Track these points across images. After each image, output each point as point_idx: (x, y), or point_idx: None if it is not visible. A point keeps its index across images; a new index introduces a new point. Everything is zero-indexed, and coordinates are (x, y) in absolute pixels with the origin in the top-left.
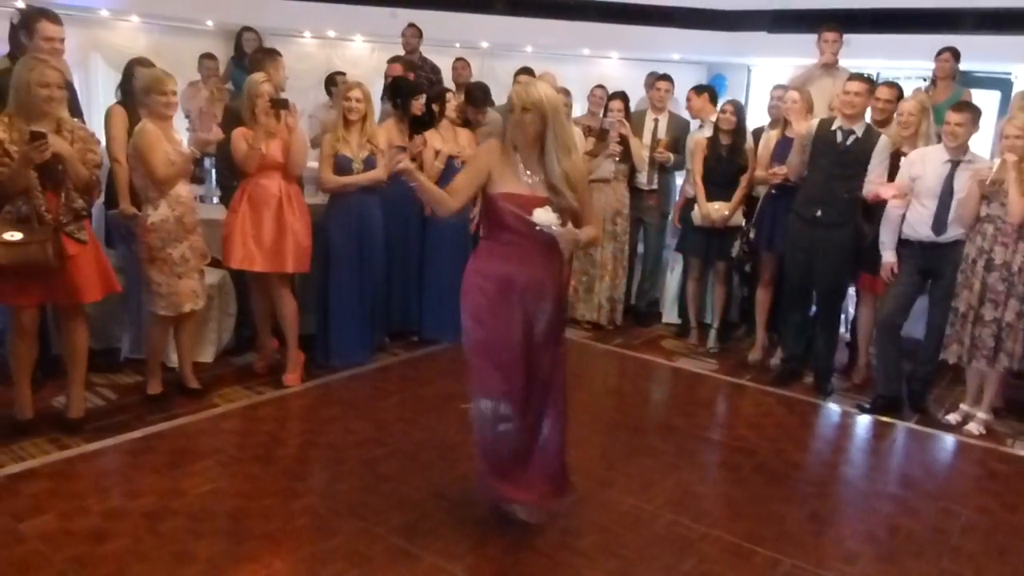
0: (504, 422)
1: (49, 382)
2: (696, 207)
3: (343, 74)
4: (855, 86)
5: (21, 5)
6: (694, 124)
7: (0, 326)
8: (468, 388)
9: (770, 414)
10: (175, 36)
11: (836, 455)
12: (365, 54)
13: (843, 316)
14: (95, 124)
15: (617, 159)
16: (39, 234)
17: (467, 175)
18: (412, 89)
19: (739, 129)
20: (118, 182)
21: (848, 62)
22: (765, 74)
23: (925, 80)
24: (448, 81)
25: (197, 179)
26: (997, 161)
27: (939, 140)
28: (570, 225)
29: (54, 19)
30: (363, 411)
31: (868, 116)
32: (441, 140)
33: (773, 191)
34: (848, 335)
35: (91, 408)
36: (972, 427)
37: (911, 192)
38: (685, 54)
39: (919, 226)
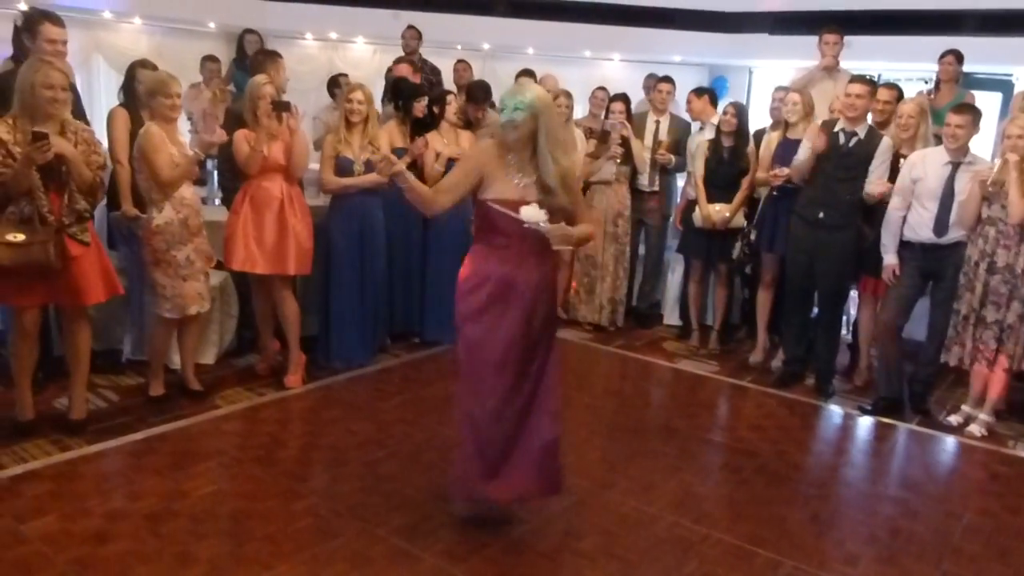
0: (491, 424)
1: (51, 383)
2: (697, 209)
3: (345, 76)
4: (857, 88)
5: (24, 7)
6: (695, 126)
7: (2, 327)
8: (457, 389)
9: (771, 416)
10: (177, 38)
11: (837, 457)
12: (367, 56)
13: (844, 318)
14: (97, 126)
15: (618, 161)
16: (41, 235)
17: (457, 175)
18: (414, 91)
19: (741, 131)
20: (120, 184)
21: (849, 64)
22: (766, 76)
23: (927, 82)
24: (449, 83)
25: (199, 181)
26: (998, 162)
27: (938, 142)
28: (563, 224)
29: (56, 21)
30: (364, 412)
31: (869, 118)
32: (443, 142)
33: (774, 193)
34: (849, 337)
35: (93, 410)
36: (974, 429)
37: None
38: (686, 56)
39: (920, 228)
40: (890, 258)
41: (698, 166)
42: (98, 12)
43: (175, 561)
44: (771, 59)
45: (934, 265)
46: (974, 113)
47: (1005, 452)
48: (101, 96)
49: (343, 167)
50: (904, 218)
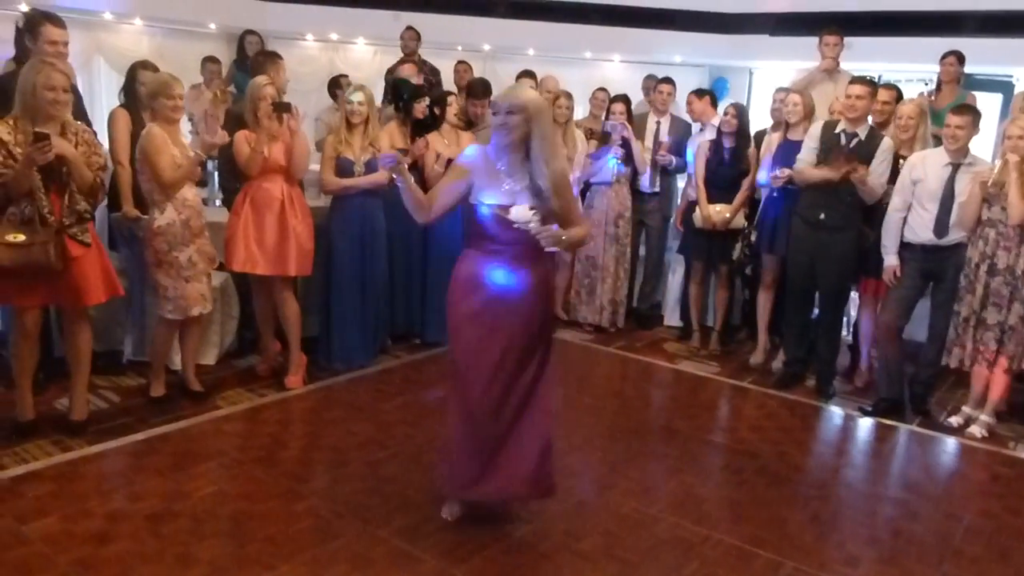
0: (480, 426)
1: (52, 384)
2: (697, 209)
3: (346, 77)
4: (857, 89)
5: (25, 8)
6: (695, 127)
7: (2, 328)
8: (447, 390)
9: (772, 417)
10: (178, 39)
11: (838, 458)
12: (367, 57)
13: (845, 319)
14: (98, 127)
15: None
16: (42, 236)
17: (445, 182)
18: (414, 92)
19: (741, 132)
20: (121, 185)
21: (849, 65)
22: (767, 77)
23: (928, 83)
24: (449, 84)
25: (200, 182)
26: (999, 163)
27: (938, 143)
28: (554, 226)
29: (58, 22)
30: (365, 413)
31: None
32: (444, 143)
33: (774, 194)
34: (850, 338)
35: (94, 410)
36: (975, 430)
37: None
38: (687, 57)
39: (920, 229)
40: (891, 259)
41: (699, 167)
42: (99, 13)
43: (176, 562)
44: (772, 60)
45: (934, 266)
46: (974, 114)
47: (1006, 453)
48: (102, 97)
49: (344, 168)
50: (904, 219)
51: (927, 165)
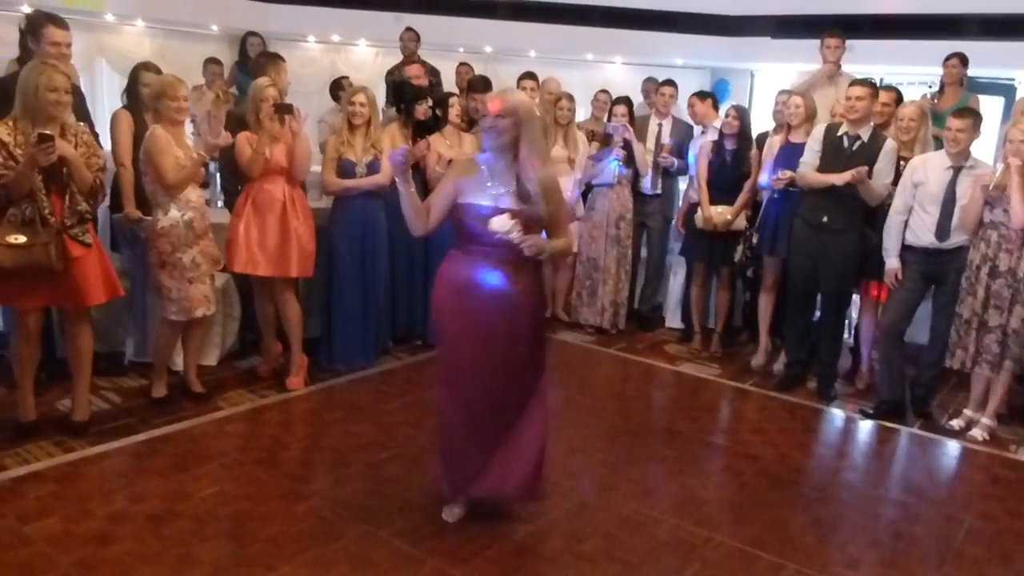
0: (466, 427)
1: (54, 385)
2: (699, 210)
3: (347, 78)
4: (857, 91)
5: (27, 10)
6: (697, 129)
7: (3, 329)
8: (436, 391)
9: (773, 419)
10: (180, 40)
11: (839, 460)
12: (369, 58)
13: (846, 321)
14: (99, 128)
15: (621, 163)
16: (43, 237)
17: (436, 194)
18: (416, 94)
19: (743, 134)
20: (123, 186)
21: (851, 68)
22: (768, 79)
23: (931, 86)
24: (451, 85)
25: (202, 184)
26: (1000, 166)
27: (939, 145)
28: (535, 236)
29: (60, 23)
30: (367, 415)
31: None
32: (445, 144)
33: (775, 195)
34: (851, 340)
35: (96, 411)
36: (976, 433)
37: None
38: (688, 59)
39: (922, 232)
40: (892, 262)
41: (701, 168)
42: (101, 14)
43: (177, 562)
44: (773, 63)
45: (936, 269)
46: (975, 117)
47: (1007, 456)
48: (103, 98)
49: (345, 169)
50: (905, 222)
51: (928, 168)
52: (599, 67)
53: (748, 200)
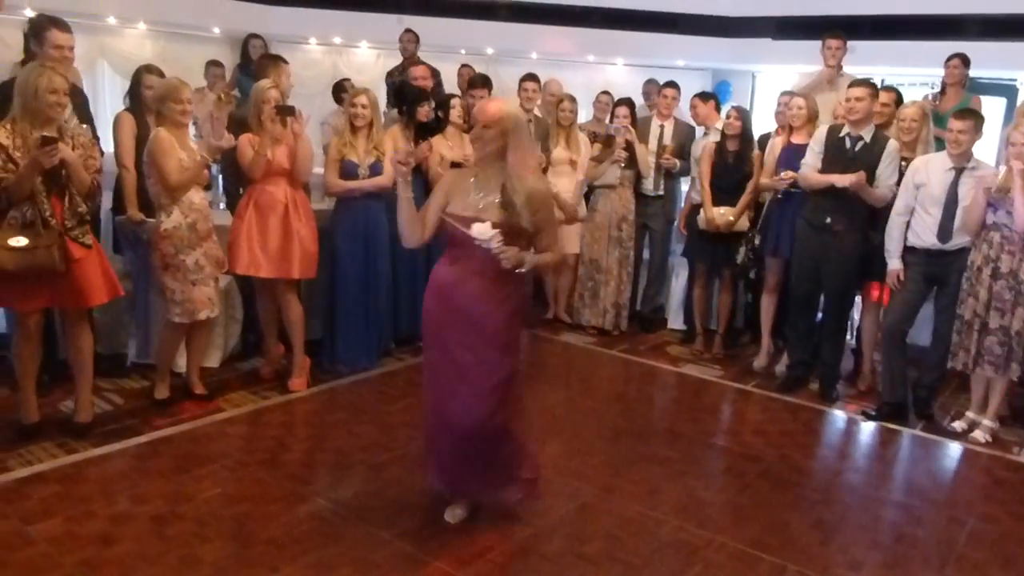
0: (445, 429)
1: (56, 387)
2: (701, 211)
3: (349, 80)
4: (856, 92)
5: (30, 14)
6: (699, 131)
7: (4, 330)
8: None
9: (775, 420)
10: (181, 43)
11: (841, 462)
12: (371, 60)
13: (849, 323)
14: (101, 131)
15: (623, 165)
16: (45, 239)
17: (428, 207)
18: (418, 95)
19: (745, 135)
20: (126, 188)
21: (852, 69)
22: (770, 81)
23: (934, 87)
24: (452, 87)
25: (205, 186)
26: (1003, 169)
27: (940, 146)
28: (515, 248)
29: (63, 27)
30: (369, 416)
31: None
32: (448, 146)
33: (779, 196)
34: (854, 342)
35: (98, 413)
36: (978, 435)
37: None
38: (689, 61)
39: (924, 234)
40: (894, 263)
41: (703, 169)
42: (103, 17)
43: (180, 563)
44: (774, 64)
45: (938, 271)
46: (976, 118)
47: (1009, 458)
48: (105, 101)
49: (348, 171)
50: (908, 223)
51: (930, 169)
52: (600, 68)
53: (750, 201)
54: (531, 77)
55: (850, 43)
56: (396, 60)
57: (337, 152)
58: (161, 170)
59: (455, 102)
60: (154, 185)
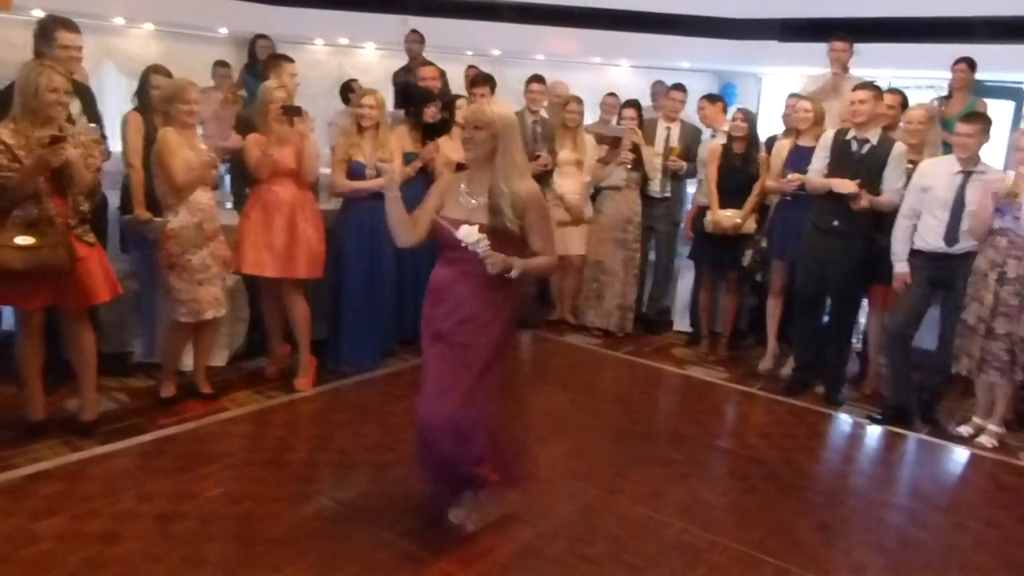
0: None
1: (61, 385)
2: (708, 214)
3: (356, 81)
4: (859, 94)
5: (38, 14)
6: (706, 133)
7: (11, 328)
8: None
9: (780, 423)
10: (187, 43)
11: (846, 465)
12: (376, 61)
13: (855, 326)
14: (107, 131)
15: (629, 167)
16: (51, 238)
17: (423, 208)
18: (424, 96)
19: (751, 137)
20: (133, 187)
21: (858, 72)
22: (776, 83)
23: (940, 92)
24: (458, 88)
25: (213, 186)
26: (1011, 174)
27: (947, 149)
28: (500, 254)
29: (72, 27)
30: (374, 416)
31: None
32: (454, 148)
33: (787, 198)
34: (859, 345)
35: (104, 411)
36: (984, 439)
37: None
38: (695, 63)
39: (931, 237)
40: (900, 266)
41: (710, 171)
42: (109, 18)
43: (183, 562)
44: (780, 66)
45: (944, 274)
46: (984, 122)
47: (1015, 463)
48: (111, 101)
49: (355, 171)
50: (914, 226)
51: (937, 173)
52: (605, 70)
53: (757, 203)
54: (537, 78)
55: (856, 46)
56: (401, 61)
57: (344, 152)
58: (167, 170)
59: (461, 103)
60: (161, 185)
